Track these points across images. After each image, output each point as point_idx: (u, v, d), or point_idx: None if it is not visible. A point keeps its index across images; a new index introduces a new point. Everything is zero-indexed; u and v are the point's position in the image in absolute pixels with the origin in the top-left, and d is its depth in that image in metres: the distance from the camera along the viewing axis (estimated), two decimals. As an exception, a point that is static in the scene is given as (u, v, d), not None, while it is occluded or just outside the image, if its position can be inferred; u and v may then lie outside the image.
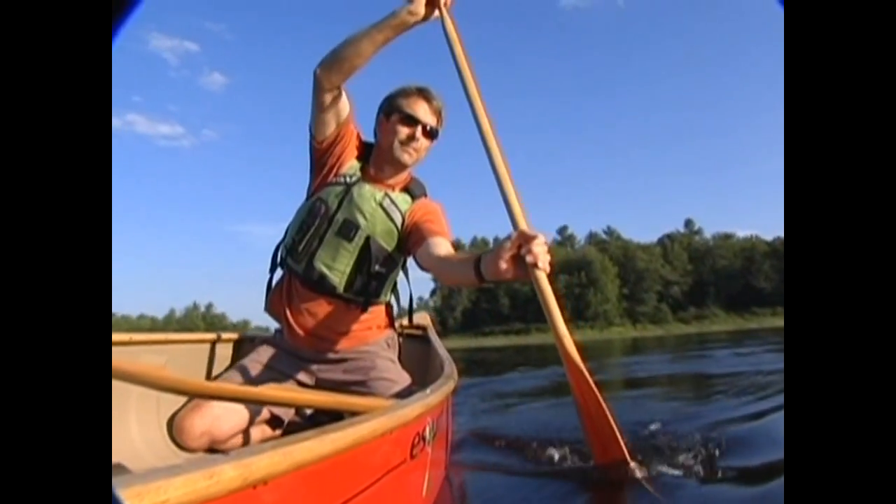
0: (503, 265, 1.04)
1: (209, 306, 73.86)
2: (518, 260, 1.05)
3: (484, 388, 4.73)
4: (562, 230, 77.40)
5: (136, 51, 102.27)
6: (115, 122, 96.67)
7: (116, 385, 0.65)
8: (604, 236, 73.22)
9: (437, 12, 1.51)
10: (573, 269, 64.46)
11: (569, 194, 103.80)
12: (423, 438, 1.06)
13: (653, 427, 2.24)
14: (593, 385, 1.22)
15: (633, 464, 1.28)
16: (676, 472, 1.52)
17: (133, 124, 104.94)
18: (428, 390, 1.15)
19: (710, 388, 3.91)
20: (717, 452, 1.73)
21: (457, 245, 1.47)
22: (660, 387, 4.71)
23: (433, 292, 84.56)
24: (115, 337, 1.58)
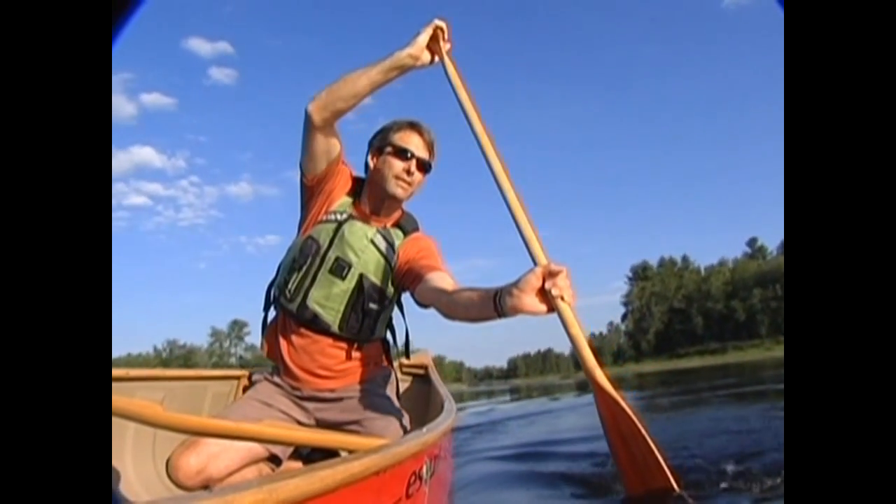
0: (527, 299, 1.04)
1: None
2: (543, 293, 1.05)
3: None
4: (751, 242, 73.61)
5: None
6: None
7: (112, 421, 0.64)
8: (799, 243, 71.03)
9: (437, 57, 1.52)
10: (767, 282, 60.16)
11: (757, 203, 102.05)
12: (420, 478, 1.04)
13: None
14: (629, 410, 1.18)
15: (679, 491, 1.18)
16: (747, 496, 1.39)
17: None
18: (424, 429, 1.14)
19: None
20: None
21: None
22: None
23: (624, 316, 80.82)
24: (112, 373, 1.57)
